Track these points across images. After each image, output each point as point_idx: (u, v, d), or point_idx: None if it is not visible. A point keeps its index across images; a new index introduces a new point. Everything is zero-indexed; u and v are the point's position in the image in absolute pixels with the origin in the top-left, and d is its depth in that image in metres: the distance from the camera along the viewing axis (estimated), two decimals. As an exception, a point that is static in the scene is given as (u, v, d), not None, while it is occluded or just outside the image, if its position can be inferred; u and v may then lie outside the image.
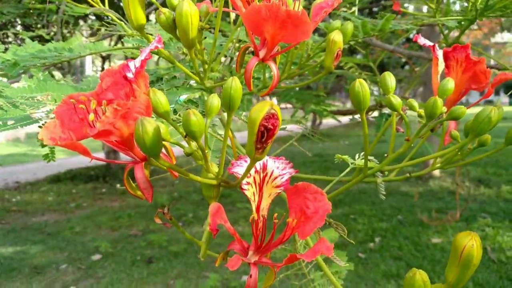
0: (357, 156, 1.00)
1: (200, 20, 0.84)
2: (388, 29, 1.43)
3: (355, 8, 1.80)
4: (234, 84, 0.63)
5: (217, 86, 1.03)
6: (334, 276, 1.45)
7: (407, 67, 12.71)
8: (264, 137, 0.60)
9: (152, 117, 0.64)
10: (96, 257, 6.80)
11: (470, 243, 0.63)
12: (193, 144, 0.70)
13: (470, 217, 7.61)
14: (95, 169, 12.47)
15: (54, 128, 0.61)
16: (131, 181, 0.74)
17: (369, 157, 1.00)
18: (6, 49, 1.52)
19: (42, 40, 4.92)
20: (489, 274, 5.66)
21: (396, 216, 8.00)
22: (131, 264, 6.49)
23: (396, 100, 0.81)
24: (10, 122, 1.10)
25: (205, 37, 0.91)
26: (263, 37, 0.79)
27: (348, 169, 1.01)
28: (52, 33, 6.75)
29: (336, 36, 0.95)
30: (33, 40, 1.68)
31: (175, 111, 1.13)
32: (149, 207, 9.23)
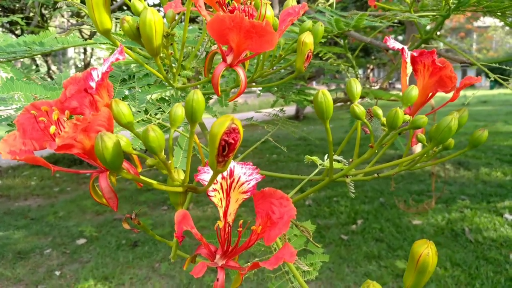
0: (325, 157, 1.02)
1: (168, 26, 0.83)
2: (362, 25, 1.43)
3: (332, 0, 1.79)
4: (196, 96, 0.63)
5: (187, 86, 1.02)
6: (309, 267, 1.48)
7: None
8: (225, 151, 0.61)
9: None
10: (81, 241, 6.79)
11: (426, 251, 0.65)
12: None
13: (449, 199, 7.79)
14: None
15: (14, 141, 0.61)
16: (97, 189, 0.74)
17: (338, 158, 1.02)
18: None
19: (17, 24, 4.78)
20: (466, 254, 5.84)
21: (378, 199, 8.15)
22: (116, 248, 6.51)
23: (360, 109, 0.83)
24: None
25: (171, 44, 0.90)
26: (229, 45, 0.79)
27: (317, 170, 1.02)
28: (31, 14, 6.57)
29: (307, 38, 0.95)
30: (10, 25, 1.64)
31: (146, 111, 1.13)
32: (133, 191, 9.22)
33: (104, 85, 0.66)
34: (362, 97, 2.28)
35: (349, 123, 1.63)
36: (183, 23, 1.53)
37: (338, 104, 2.97)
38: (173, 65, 1.03)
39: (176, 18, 0.98)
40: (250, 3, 0.88)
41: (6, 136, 0.60)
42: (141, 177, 0.72)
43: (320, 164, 1.01)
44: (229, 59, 0.83)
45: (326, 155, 1.02)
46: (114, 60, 0.66)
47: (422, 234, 6.46)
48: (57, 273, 5.80)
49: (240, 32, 0.72)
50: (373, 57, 12.44)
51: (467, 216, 6.97)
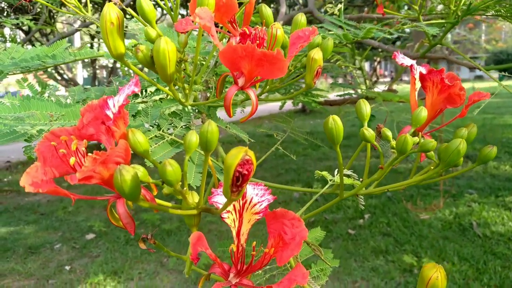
0: (336, 172, 1.03)
1: (179, 51, 0.85)
2: (370, 36, 1.43)
3: (341, 6, 1.79)
4: (211, 128, 0.65)
5: (199, 104, 1.04)
6: (319, 273, 1.51)
7: (398, 43, 12.62)
8: (239, 181, 0.63)
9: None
10: (90, 236, 6.88)
11: (435, 275, 0.67)
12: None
13: (457, 193, 7.78)
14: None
15: (36, 172, 0.63)
16: (114, 213, 0.76)
17: (348, 173, 1.03)
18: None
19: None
20: (474, 248, 5.84)
21: (385, 193, 8.14)
22: (125, 243, 6.59)
23: (369, 132, 0.84)
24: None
25: (184, 69, 0.92)
26: (241, 71, 0.80)
27: (327, 186, 1.04)
28: (38, 10, 6.61)
29: (316, 54, 0.96)
30: (17, 25, 1.66)
31: (158, 127, 1.14)
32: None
33: (121, 116, 0.68)
34: (371, 98, 2.28)
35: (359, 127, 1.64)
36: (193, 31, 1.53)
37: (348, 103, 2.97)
38: (185, 79, 1.04)
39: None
40: (261, 27, 0.90)
41: (29, 168, 0.63)
42: (157, 200, 0.74)
43: (330, 180, 1.03)
44: (240, 81, 0.84)
45: (337, 170, 1.04)
46: (130, 93, 0.68)
47: (430, 229, 6.47)
48: (67, 268, 5.88)
49: (252, 60, 0.73)
50: (380, 50, 12.35)
51: (475, 211, 6.96)
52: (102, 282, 5.44)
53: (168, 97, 1.23)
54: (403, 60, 1.01)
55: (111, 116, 0.68)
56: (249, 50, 0.71)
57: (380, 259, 5.73)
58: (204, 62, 1.35)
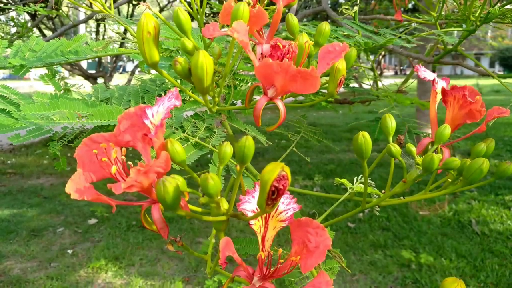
0: (355, 180, 1.06)
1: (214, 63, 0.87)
2: (390, 44, 1.45)
3: (356, 8, 1.80)
4: (248, 143, 0.68)
5: (224, 109, 1.07)
6: (328, 272, 1.54)
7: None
8: (274, 195, 0.66)
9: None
10: (92, 221, 6.94)
11: (456, 289, 0.70)
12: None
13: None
14: (90, 132, 12.46)
15: (79, 179, 0.66)
16: (148, 217, 0.80)
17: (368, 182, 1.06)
18: (11, 42, 1.53)
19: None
20: (472, 246, 5.90)
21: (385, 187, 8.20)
22: (126, 229, 6.65)
23: (396, 148, 0.87)
24: (22, 133, 1.14)
25: (217, 83, 0.94)
26: (273, 85, 0.83)
27: (347, 194, 1.07)
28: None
29: (340, 65, 0.98)
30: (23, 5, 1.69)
31: (182, 129, 1.17)
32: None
33: (162, 129, 0.70)
34: (380, 99, 2.31)
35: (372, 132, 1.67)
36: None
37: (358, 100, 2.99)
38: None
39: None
40: (293, 43, 0.92)
41: (73, 176, 0.66)
42: (190, 207, 0.77)
43: (350, 188, 1.07)
44: (270, 92, 0.87)
45: (356, 177, 1.07)
46: (171, 106, 0.70)
47: (429, 225, 6.54)
48: (70, 251, 5.95)
49: (286, 75, 0.76)
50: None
51: (474, 208, 7.02)
52: (103, 267, 5.51)
53: (191, 99, 1.26)
54: (425, 73, 1.03)
55: (150, 126, 0.71)
56: (284, 67, 0.74)
57: (379, 253, 5.80)
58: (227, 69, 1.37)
